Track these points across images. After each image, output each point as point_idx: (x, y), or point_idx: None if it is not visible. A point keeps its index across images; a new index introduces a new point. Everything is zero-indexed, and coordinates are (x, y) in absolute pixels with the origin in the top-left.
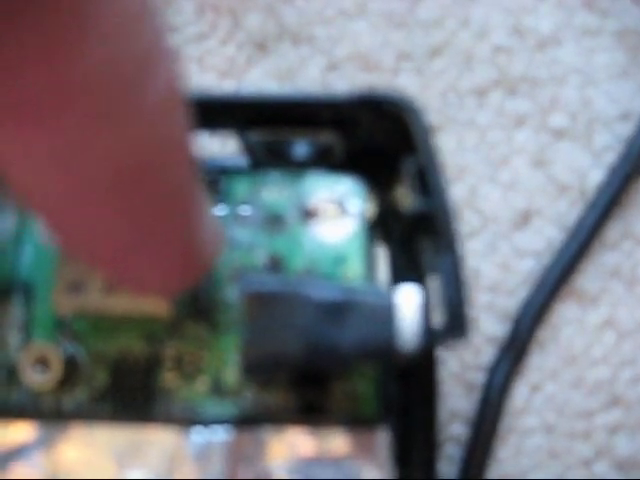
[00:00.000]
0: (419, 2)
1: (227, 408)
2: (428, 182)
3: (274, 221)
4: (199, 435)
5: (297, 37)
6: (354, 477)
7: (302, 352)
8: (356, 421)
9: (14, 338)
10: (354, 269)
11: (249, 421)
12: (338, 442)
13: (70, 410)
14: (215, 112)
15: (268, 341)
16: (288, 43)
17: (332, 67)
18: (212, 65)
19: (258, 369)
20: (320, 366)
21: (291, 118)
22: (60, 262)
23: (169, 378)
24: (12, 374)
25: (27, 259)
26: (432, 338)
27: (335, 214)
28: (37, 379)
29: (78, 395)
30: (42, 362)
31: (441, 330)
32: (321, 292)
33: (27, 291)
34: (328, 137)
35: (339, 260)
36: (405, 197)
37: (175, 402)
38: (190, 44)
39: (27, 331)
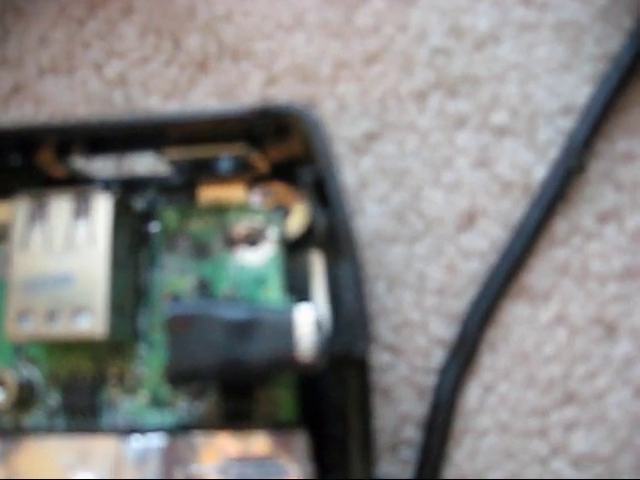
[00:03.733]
0: (355, 10)
1: (165, 417)
2: (326, 192)
3: (201, 249)
4: (138, 442)
5: (237, 54)
6: (275, 474)
7: (217, 366)
8: (277, 425)
9: None
10: (273, 288)
11: (184, 428)
12: (261, 444)
13: (29, 426)
14: (134, 135)
15: (187, 358)
16: (228, 60)
17: (272, 81)
18: (156, 87)
19: (181, 382)
20: (234, 378)
21: (204, 135)
22: (8, 293)
23: (113, 393)
24: None
25: None
26: (339, 347)
27: (255, 241)
28: None
29: (35, 412)
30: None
31: (342, 339)
32: (231, 313)
33: None
34: (245, 151)
35: (259, 282)
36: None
37: (119, 414)
38: (134, 68)
39: None
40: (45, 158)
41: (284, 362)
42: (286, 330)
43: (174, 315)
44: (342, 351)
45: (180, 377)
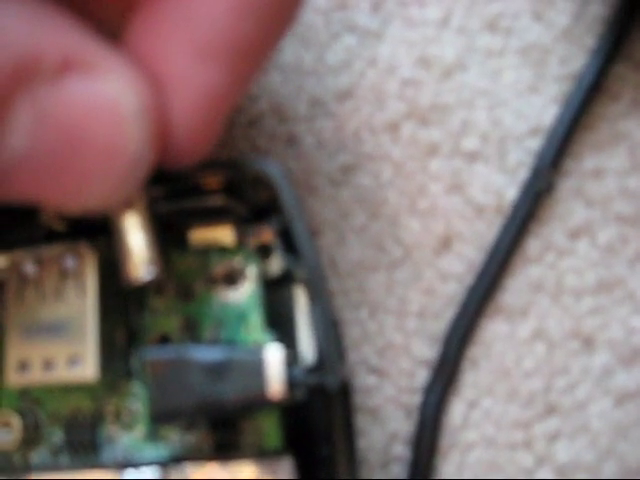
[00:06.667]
0: (327, 48)
1: (160, 451)
2: (293, 239)
3: (186, 290)
4: (132, 475)
5: None
6: None
7: (195, 406)
8: (262, 453)
9: None
10: (254, 325)
11: (176, 460)
12: (248, 471)
13: (36, 464)
14: None
15: (166, 400)
16: None
17: (252, 123)
18: None
19: (164, 421)
20: (213, 416)
21: (186, 189)
22: (6, 343)
23: (111, 429)
24: None
25: None
26: (313, 381)
27: (235, 280)
28: (2, 440)
29: (41, 451)
30: (6, 426)
31: (315, 373)
32: (205, 356)
33: None
34: (224, 200)
35: (240, 319)
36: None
37: (118, 449)
38: None
39: None
40: (48, 216)
41: (256, 400)
42: (257, 370)
43: (151, 360)
44: (317, 385)
45: (162, 417)
